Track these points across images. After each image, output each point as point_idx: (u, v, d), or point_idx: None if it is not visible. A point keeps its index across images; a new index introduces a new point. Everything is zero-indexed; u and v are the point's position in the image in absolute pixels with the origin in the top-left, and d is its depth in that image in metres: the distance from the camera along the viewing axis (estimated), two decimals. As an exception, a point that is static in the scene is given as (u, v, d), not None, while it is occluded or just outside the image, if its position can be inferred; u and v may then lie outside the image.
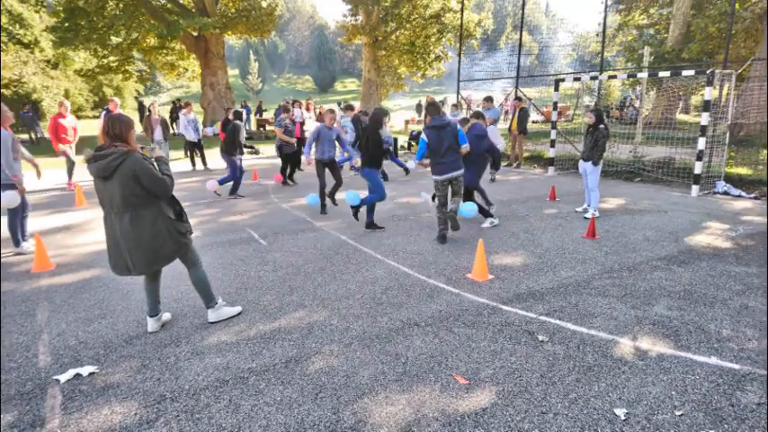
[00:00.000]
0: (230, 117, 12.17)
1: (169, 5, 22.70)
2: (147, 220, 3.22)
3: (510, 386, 2.85)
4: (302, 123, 12.63)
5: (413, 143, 17.17)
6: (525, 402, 2.70)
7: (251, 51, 58.31)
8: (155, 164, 3.32)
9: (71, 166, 9.84)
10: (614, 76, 11.64)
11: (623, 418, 2.55)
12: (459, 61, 17.09)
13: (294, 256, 5.40)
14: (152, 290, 3.56)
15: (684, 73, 9.29)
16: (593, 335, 3.48)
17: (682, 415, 2.58)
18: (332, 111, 7.87)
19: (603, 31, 12.95)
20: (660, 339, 3.40)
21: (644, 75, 10.91)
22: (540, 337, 3.43)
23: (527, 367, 3.05)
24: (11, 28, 29.24)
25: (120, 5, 20.65)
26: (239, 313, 3.89)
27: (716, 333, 3.48)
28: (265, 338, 3.49)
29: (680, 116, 23.95)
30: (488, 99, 11.40)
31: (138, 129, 13.67)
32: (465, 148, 5.71)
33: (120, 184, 3.11)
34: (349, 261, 5.24)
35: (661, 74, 10.01)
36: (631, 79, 20.46)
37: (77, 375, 3.01)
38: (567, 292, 4.27)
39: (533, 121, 22.44)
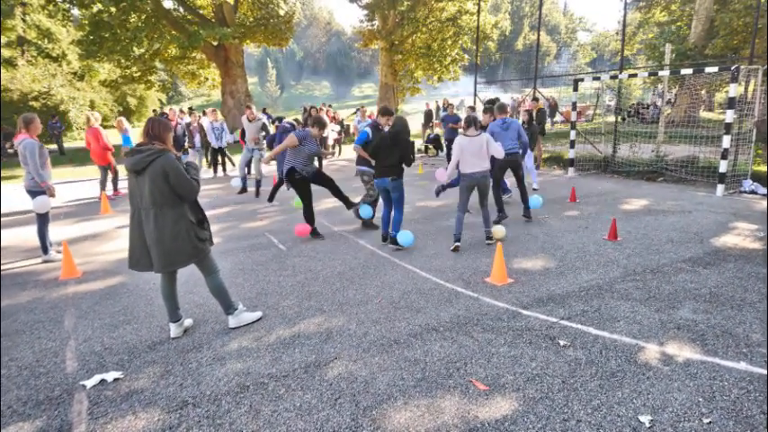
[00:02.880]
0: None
1: (189, 16, 23.21)
2: (169, 219, 3.34)
3: (531, 392, 2.82)
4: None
5: (429, 146, 17.16)
6: (547, 409, 2.66)
7: (269, 59, 59.10)
8: (185, 167, 3.46)
9: (116, 174, 9.94)
10: (635, 75, 11.43)
11: (648, 425, 2.49)
12: (477, 63, 17.02)
13: (312, 261, 5.44)
14: (169, 294, 3.64)
15: (708, 69, 9.07)
16: (615, 339, 3.41)
17: (710, 423, 2.50)
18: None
19: (623, 29, 12.75)
20: (686, 344, 3.32)
21: (666, 73, 10.68)
22: (562, 342, 3.38)
23: (548, 373, 3.01)
24: (40, 42, 30.27)
25: (143, 18, 21.19)
26: (260, 318, 3.93)
27: (744, 337, 3.38)
28: (285, 344, 3.51)
29: (704, 114, 23.38)
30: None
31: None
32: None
33: (150, 179, 3.27)
34: (367, 266, 5.25)
35: (684, 71, 9.79)
36: (653, 77, 20.06)
37: (103, 381, 3.08)
38: (588, 296, 4.20)
39: (554, 122, 22.19)
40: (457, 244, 5.69)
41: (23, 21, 30.36)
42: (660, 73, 10.98)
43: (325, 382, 3.00)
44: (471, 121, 5.70)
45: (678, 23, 24.77)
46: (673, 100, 19.43)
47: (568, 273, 4.80)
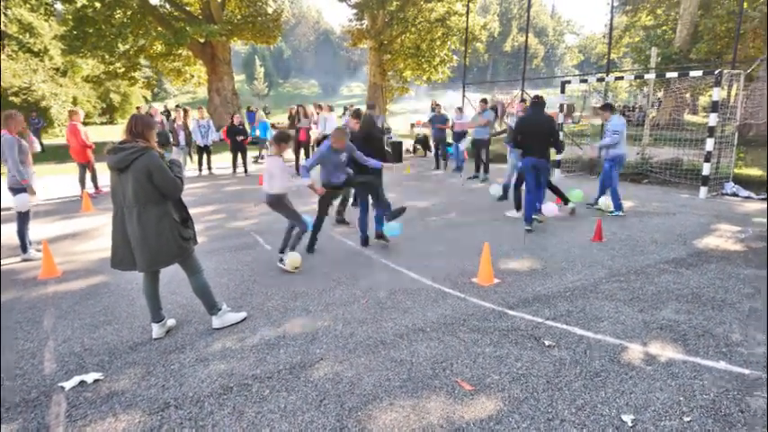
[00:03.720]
0: (235, 122, 12.22)
1: (176, 13, 22.93)
2: (153, 217, 3.29)
3: (516, 392, 2.82)
4: (308, 130, 12.54)
5: (418, 147, 17.17)
6: (531, 409, 2.67)
7: (257, 57, 58.68)
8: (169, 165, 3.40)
9: (94, 172, 9.75)
10: (621, 78, 11.61)
11: (630, 424, 2.52)
12: (465, 64, 17.07)
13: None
14: (152, 294, 3.58)
15: (692, 73, 9.21)
16: (600, 339, 3.44)
17: (690, 421, 2.53)
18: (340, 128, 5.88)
19: (610, 33, 12.90)
20: (668, 344, 3.36)
21: (651, 76, 10.83)
22: (547, 342, 3.40)
23: (533, 373, 3.02)
24: (21, 37, 29.66)
25: (128, 14, 20.88)
26: (244, 319, 3.89)
27: (724, 337, 3.43)
28: (270, 345, 3.48)
29: (688, 117, 23.75)
30: (483, 101, 11.44)
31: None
32: None
33: (133, 177, 3.22)
34: (353, 266, 5.22)
35: (669, 75, 9.94)
36: (639, 80, 20.31)
37: (82, 382, 3.02)
38: (573, 296, 4.23)
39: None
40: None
41: (4, 15, 29.74)
42: (646, 76, 11.13)
43: (311, 384, 2.97)
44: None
45: (663, 27, 25.15)
46: (658, 103, 19.69)
47: (554, 274, 4.83)
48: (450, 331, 3.62)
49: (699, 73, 9.13)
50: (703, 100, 28.12)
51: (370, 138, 6.10)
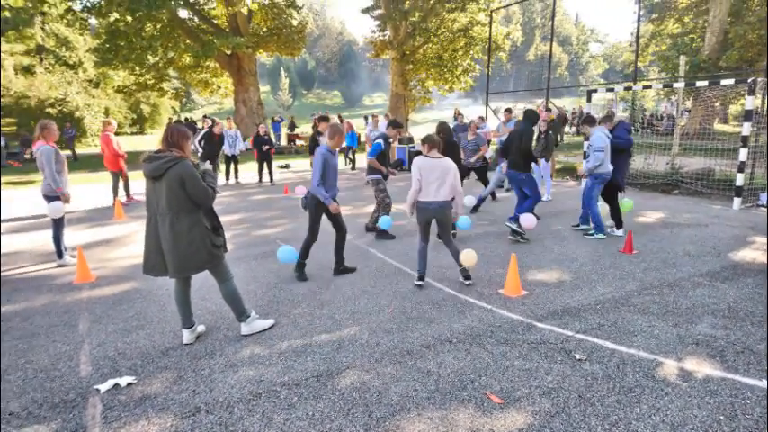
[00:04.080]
0: (260, 132, 12.42)
1: (204, 26, 23.54)
2: (185, 225, 3.36)
3: (547, 406, 2.77)
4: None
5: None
6: (563, 423, 2.61)
7: (282, 68, 59.69)
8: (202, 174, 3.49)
9: (127, 180, 10.01)
10: (649, 87, 11.39)
11: (668, 442, 2.44)
12: (488, 74, 17.04)
13: (324, 270, 5.43)
14: (183, 300, 3.64)
15: (723, 82, 9.00)
16: (633, 354, 3.35)
17: (732, 441, 2.44)
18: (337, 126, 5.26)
19: (637, 41, 12.73)
20: (705, 360, 3.25)
21: (680, 85, 10.62)
22: (578, 356, 3.33)
23: (564, 387, 2.96)
24: (57, 50, 30.87)
25: (158, 27, 21.53)
26: (272, 326, 3.92)
27: (766, 354, 3.30)
28: (297, 352, 3.50)
29: (718, 126, 23.15)
30: (508, 110, 11.38)
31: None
32: None
33: (167, 186, 3.30)
34: (378, 275, 5.23)
35: (698, 83, 9.73)
36: (666, 89, 19.92)
37: (116, 385, 3.08)
38: (604, 309, 4.14)
39: (564, 134, 22.13)
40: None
41: (42, 30, 31.03)
42: (675, 85, 10.90)
43: (338, 392, 2.97)
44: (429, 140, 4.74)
45: (691, 35, 24.68)
46: (687, 112, 19.28)
47: (584, 285, 4.74)
48: (478, 343, 3.58)
49: (730, 81, 8.92)
50: (734, 109, 27.40)
51: (450, 146, 6.29)
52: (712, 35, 19.60)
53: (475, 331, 3.77)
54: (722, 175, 9.95)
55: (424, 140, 4.75)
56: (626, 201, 7.14)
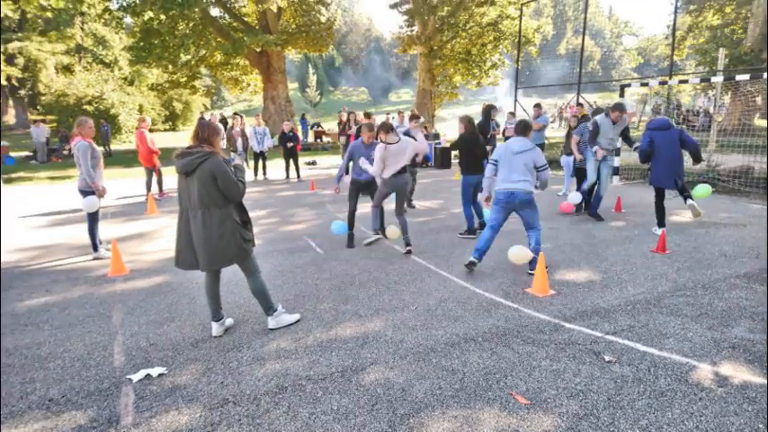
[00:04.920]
0: (285, 130, 12.55)
1: (234, 24, 23.92)
2: (216, 219, 3.43)
3: (574, 408, 2.72)
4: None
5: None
6: (591, 427, 2.56)
7: (309, 65, 60.10)
8: (233, 169, 3.56)
9: (160, 176, 10.33)
10: (686, 81, 10.98)
11: (701, 450, 2.36)
12: (518, 68, 16.77)
13: (349, 266, 5.46)
14: (213, 294, 3.72)
15: (766, 75, 8.60)
16: (665, 357, 3.26)
17: (770, 451, 2.35)
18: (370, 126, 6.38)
19: (673, 33, 12.29)
20: (742, 365, 3.13)
21: (719, 78, 10.21)
22: (607, 358, 3.25)
23: (593, 389, 2.90)
24: (95, 49, 31.88)
25: (191, 25, 21.99)
26: (298, 321, 3.97)
27: (766, 354, 3.16)
28: (322, 347, 3.54)
29: (759, 122, 22.16)
30: (537, 106, 11.16)
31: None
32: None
33: (199, 181, 3.37)
34: (403, 272, 5.22)
35: (739, 77, 9.33)
36: (703, 84, 19.19)
37: (148, 376, 3.18)
38: (635, 311, 4.04)
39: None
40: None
41: (81, 29, 32.12)
42: (713, 79, 10.49)
43: (362, 388, 2.99)
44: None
45: (732, 26, 23.68)
46: (725, 107, 18.50)
47: (614, 286, 4.63)
48: (504, 342, 3.54)
49: (775, 74, 8.51)
50: (777, 103, 26.16)
51: (473, 139, 6.41)
52: (756, 25, 18.75)
53: (501, 330, 3.73)
54: (762, 172, 9.53)
55: (380, 128, 5.81)
56: (701, 188, 6.56)
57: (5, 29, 27.56)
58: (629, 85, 11.22)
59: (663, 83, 11.37)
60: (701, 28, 26.78)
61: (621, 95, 10.86)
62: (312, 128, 27.55)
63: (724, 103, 19.30)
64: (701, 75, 15.59)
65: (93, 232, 5.98)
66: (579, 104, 13.15)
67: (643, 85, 11.78)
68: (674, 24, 12.72)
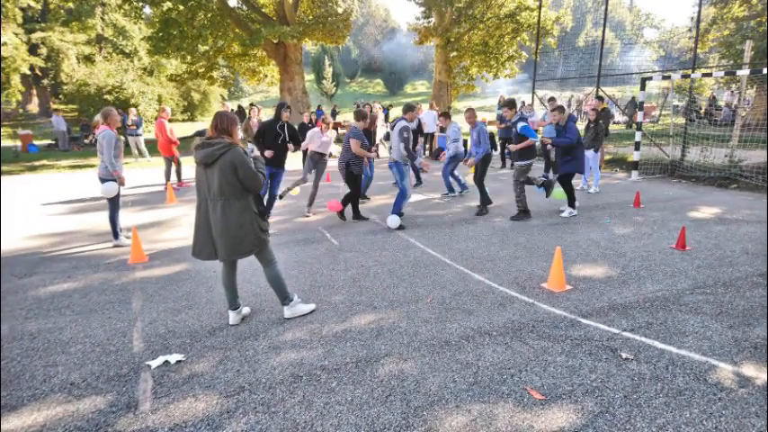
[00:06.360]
0: (305, 121, 12.58)
1: (252, 15, 23.95)
2: (236, 210, 3.47)
3: (590, 405, 2.70)
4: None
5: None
6: (607, 424, 2.54)
7: (326, 57, 59.99)
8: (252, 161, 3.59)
9: (179, 166, 10.49)
10: (709, 74, 10.68)
11: (720, 450, 2.33)
12: (536, 60, 16.54)
13: (364, 257, 5.47)
14: (229, 283, 3.77)
15: (795, 69, 8.34)
16: (683, 355, 3.21)
17: (791, 453, 2.30)
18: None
19: (697, 25, 11.96)
20: (764, 365, 3.07)
21: (745, 72, 9.92)
22: (624, 355, 3.22)
23: (609, 386, 2.87)
24: (115, 39, 32.23)
25: (209, 16, 22.08)
26: (313, 311, 4.00)
27: (766, 354, 3.09)
28: (337, 337, 3.56)
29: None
30: (552, 100, 11.03)
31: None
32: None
33: (219, 171, 3.40)
34: (417, 264, 5.22)
35: (765, 70, 9.06)
36: (726, 77, 18.69)
37: (166, 362, 3.24)
38: (653, 308, 3.98)
39: (615, 122, 21.27)
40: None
41: (102, 19, 32.47)
42: (738, 72, 10.21)
43: (376, 379, 3.00)
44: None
45: (759, 18, 22.96)
46: (749, 102, 18.02)
47: (632, 282, 4.57)
48: (519, 337, 3.52)
49: (804, 68, 8.25)
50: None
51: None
52: (784, 18, 18.16)
53: (516, 325, 3.71)
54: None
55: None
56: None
57: (29, 19, 27.99)
58: (650, 78, 10.98)
59: (685, 76, 11.11)
60: (726, 20, 26.02)
61: (642, 88, 10.65)
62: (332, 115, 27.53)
63: (747, 97, 18.79)
64: (724, 68, 15.15)
65: (114, 220, 6.08)
66: (599, 98, 12.92)
67: (665, 78, 11.52)
68: (699, 16, 12.38)
